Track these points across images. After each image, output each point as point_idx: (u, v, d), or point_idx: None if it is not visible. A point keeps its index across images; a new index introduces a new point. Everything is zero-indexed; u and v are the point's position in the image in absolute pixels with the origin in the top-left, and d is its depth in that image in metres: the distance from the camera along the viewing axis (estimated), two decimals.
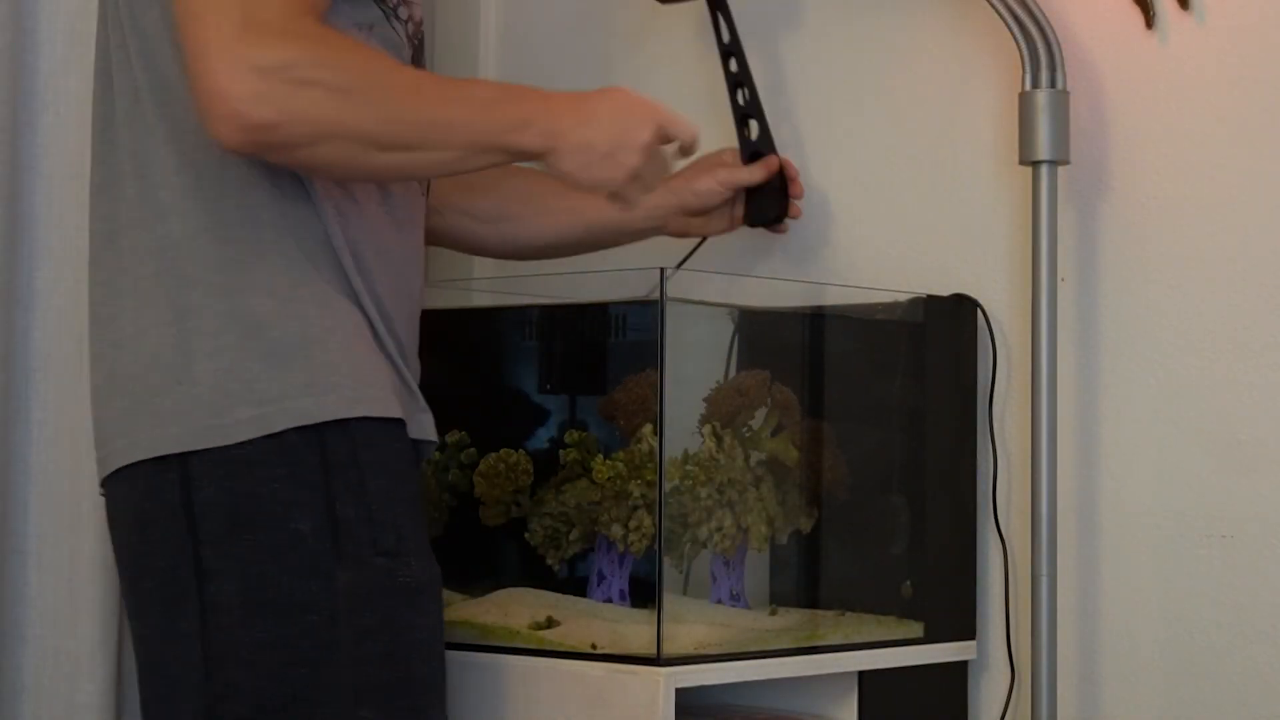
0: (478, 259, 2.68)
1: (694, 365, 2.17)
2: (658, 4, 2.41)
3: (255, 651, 1.72)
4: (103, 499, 1.85)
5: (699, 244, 2.36)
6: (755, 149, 2.30)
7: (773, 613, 2.19)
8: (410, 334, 1.92)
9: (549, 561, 2.16)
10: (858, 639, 2.19)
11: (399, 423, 1.81)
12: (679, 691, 1.94)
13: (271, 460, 1.73)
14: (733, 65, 2.34)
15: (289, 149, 1.70)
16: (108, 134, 1.84)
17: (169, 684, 1.77)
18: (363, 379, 1.78)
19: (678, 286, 2.03)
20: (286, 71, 1.66)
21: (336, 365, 1.76)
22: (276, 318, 1.76)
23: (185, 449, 1.73)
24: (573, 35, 2.70)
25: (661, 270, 2.01)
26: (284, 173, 1.79)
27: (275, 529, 1.72)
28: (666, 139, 1.86)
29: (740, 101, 2.33)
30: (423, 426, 1.88)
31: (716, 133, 2.32)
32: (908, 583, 2.26)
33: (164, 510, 1.74)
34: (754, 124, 2.32)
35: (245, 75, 1.64)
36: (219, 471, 1.73)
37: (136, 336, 1.78)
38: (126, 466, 1.78)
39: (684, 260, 2.35)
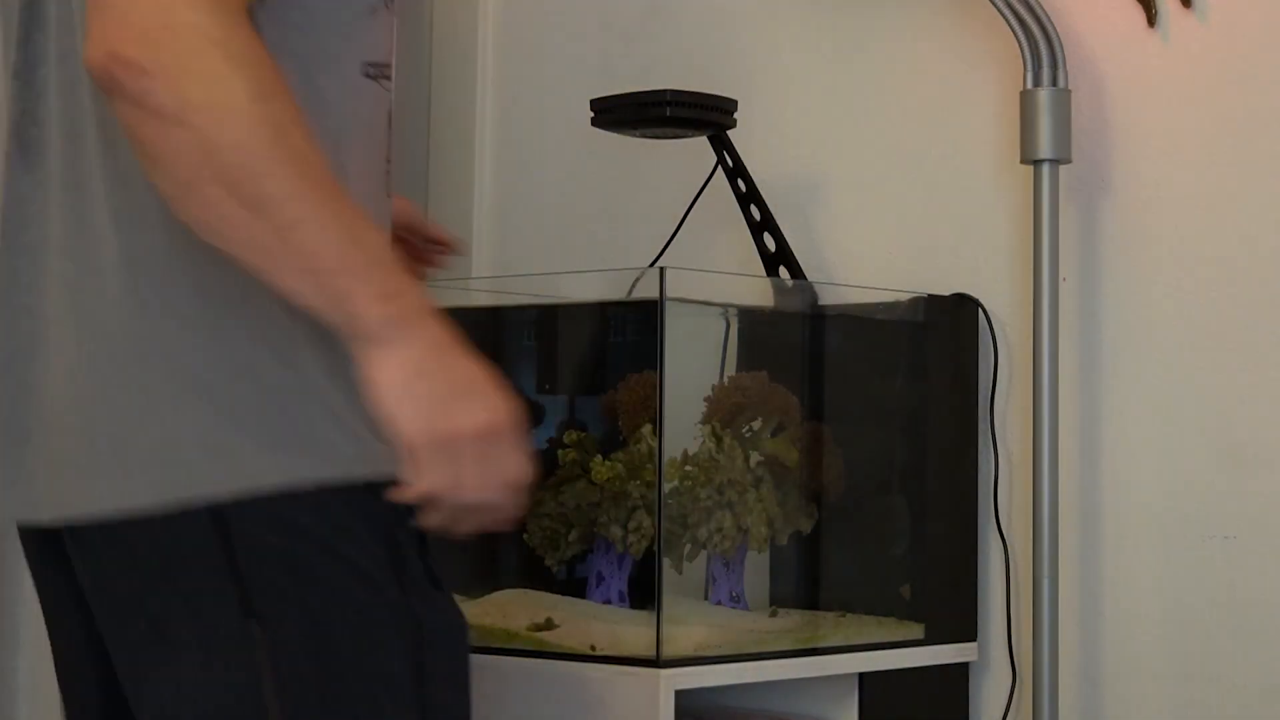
0: (476, 259, 2.68)
1: (694, 365, 2.17)
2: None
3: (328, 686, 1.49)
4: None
5: (673, 236, 2.36)
6: (775, 260, 2.29)
7: (773, 614, 2.19)
8: None
9: (548, 563, 2.15)
10: (858, 640, 2.18)
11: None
12: (678, 693, 1.94)
13: (320, 498, 1.46)
14: (741, 186, 2.32)
15: (136, 107, 1.33)
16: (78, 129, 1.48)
17: None
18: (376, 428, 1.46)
19: (678, 286, 2.02)
20: (196, 30, 1.32)
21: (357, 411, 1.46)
22: (276, 357, 1.45)
23: (217, 499, 1.43)
24: (572, 35, 2.70)
25: (661, 270, 2.00)
26: None
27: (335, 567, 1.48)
28: None
29: (756, 217, 2.32)
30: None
31: None
32: (906, 586, 2.26)
33: (198, 565, 1.46)
34: (768, 237, 2.31)
35: (148, 7, 1.33)
36: (258, 514, 1.44)
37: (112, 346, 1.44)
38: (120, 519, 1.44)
39: (663, 249, 2.35)
